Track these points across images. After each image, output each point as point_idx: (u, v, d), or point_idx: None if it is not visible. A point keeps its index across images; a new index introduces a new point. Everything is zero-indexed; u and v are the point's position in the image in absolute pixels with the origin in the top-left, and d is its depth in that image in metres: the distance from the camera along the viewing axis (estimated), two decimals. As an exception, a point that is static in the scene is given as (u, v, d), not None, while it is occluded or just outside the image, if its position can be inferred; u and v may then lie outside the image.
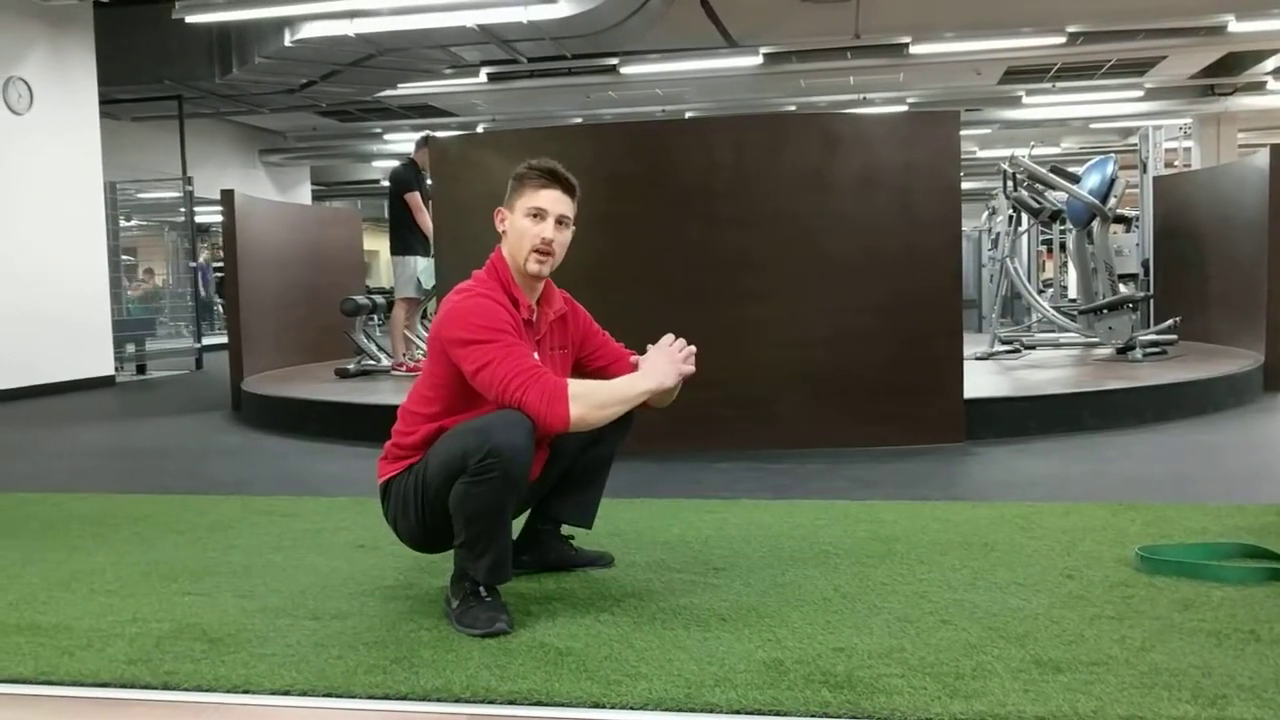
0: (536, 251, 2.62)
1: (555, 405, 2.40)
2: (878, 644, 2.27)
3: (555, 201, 2.64)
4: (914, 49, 11.56)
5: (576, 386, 2.46)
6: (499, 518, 2.44)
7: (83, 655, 2.34)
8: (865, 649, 2.24)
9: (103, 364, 9.71)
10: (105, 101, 10.15)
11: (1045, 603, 2.54)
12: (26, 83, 8.83)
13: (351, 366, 7.73)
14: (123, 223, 12.35)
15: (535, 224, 2.62)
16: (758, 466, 4.68)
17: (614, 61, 12.21)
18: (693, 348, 2.63)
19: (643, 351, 2.73)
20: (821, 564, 2.95)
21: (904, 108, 15.34)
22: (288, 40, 10.23)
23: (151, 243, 16.40)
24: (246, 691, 2.13)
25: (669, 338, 2.64)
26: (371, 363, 7.83)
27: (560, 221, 2.66)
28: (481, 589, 2.47)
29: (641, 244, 5.17)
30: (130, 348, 11.01)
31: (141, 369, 11.12)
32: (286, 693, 2.12)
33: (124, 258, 12.60)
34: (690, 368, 2.59)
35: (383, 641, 2.37)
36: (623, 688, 2.06)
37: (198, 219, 12.79)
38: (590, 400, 2.46)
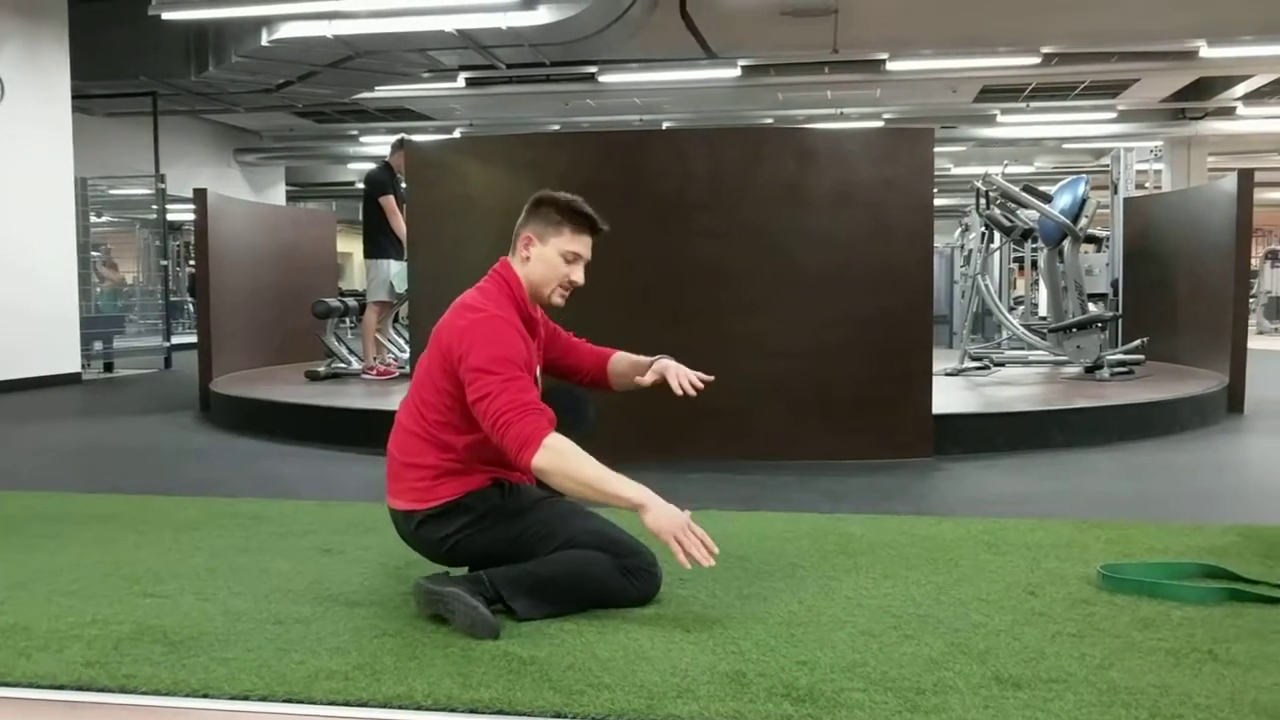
0: (563, 288, 2.78)
1: (523, 451, 2.46)
2: (840, 658, 2.28)
3: (588, 247, 2.81)
4: (891, 65, 11.64)
5: (559, 443, 2.48)
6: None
7: (40, 657, 2.32)
8: (828, 663, 2.25)
9: (69, 361, 9.61)
10: (78, 96, 10.08)
11: (1007, 619, 2.56)
12: (-1, 75, 8.75)
13: (322, 369, 7.68)
14: (93, 219, 12.24)
15: (568, 265, 2.75)
16: (728, 477, 4.69)
17: (593, 70, 12.22)
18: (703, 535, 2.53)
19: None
20: (787, 576, 2.96)
21: (880, 123, 15.44)
22: (265, 40, 10.17)
23: (123, 240, 16.24)
24: (206, 696, 2.12)
25: (699, 534, 2.51)
26: (342, 366, 7.79)
27: (586, 265, 2.82)
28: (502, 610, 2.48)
29: (616, 254, 5.11)
30: (98, 345, 10.90)
31: (109, 367, 11.01)
32: (246, 697, 2.10)
33: (94, 254, 12.49)
34: (686, 558, 2.47)
35: (345, 647, 2.36)
36: (585, 697, 2.06)
37: (170, 217, 12.69)
38: (562, 465, 2.48)
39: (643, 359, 3.09)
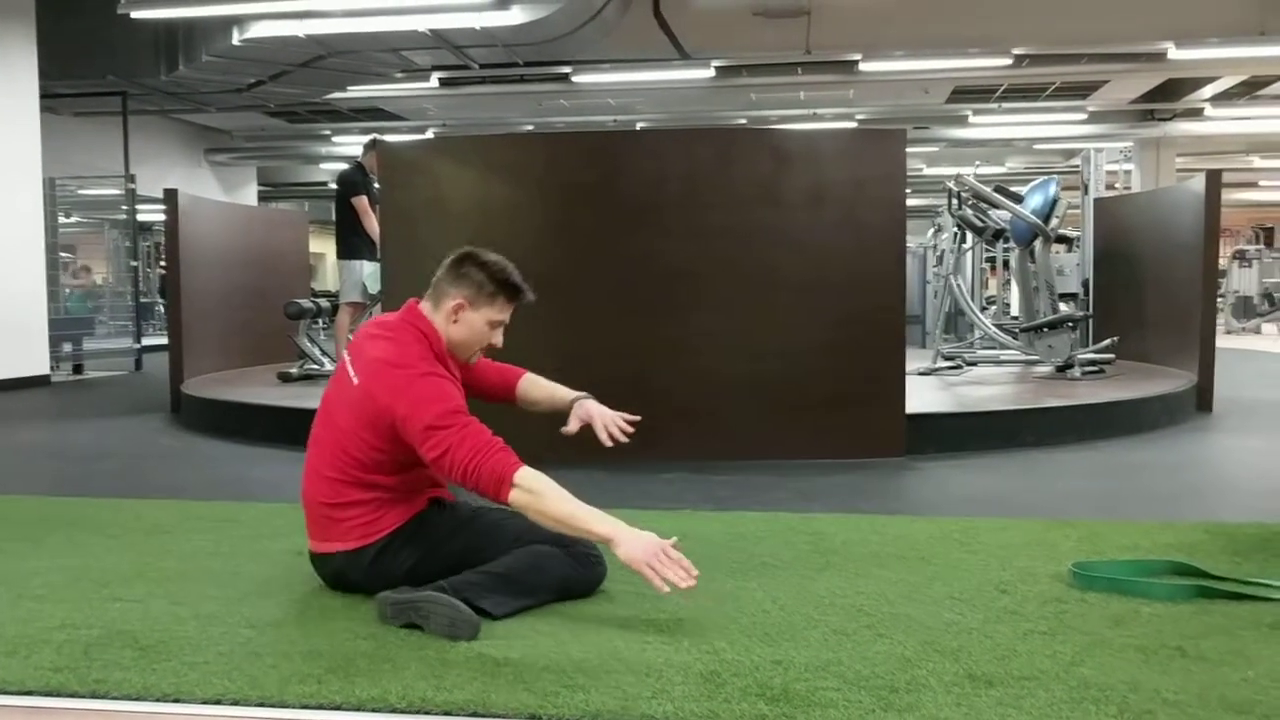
0: (482, 352, 2.90)
1: (500, 491, 2.50)
2: (814, 657, 2.29)
3: (511, 314, 2.86)
4: (864, 66, 11.68)
5: (532, 480, 2.51)
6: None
7: (7, 662, 2.29)
8: (802, 662, 2.25)
9: (38, 363, 9.51)
10: (46, 95, 9.97)
11: (979, 617, 2.58)
12: (-36, 74, 8.65)
13: (294, 370, 7.64)
14: (62, 219, 12.11)
15: (493, 331, 2.83)
16: (703, 478, 4.70)
17: (567, 70, 12.20)
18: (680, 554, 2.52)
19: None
20: (761, 576, 2.97)
21: (853, 124, 15.50)
22: (236, 39, 10.09)
23: (92, 240, 16.10)
24: (177, 700, 2.10)
25: (674, 540, 2.53)
26: (314, 367, 7.75)
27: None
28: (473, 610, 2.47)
29: (593, 253, 5.17)
30: (67, 347, 10.79)
31: (78, 369, 10.90)
32: (218, 701, 2.09)
33: (63, 255, 12.36)
34: (663, 583, 2.43)
35: (318, 651, 2.35)
36: (560, 699, 2.06)
37: (140, 217, 12.58)
38: (537, 504, 2.51)
39: (560, 392, 3.13)
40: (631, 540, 2.49)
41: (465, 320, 2.78)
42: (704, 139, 5.70)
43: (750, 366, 5.10)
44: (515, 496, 2.49)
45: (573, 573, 2.71)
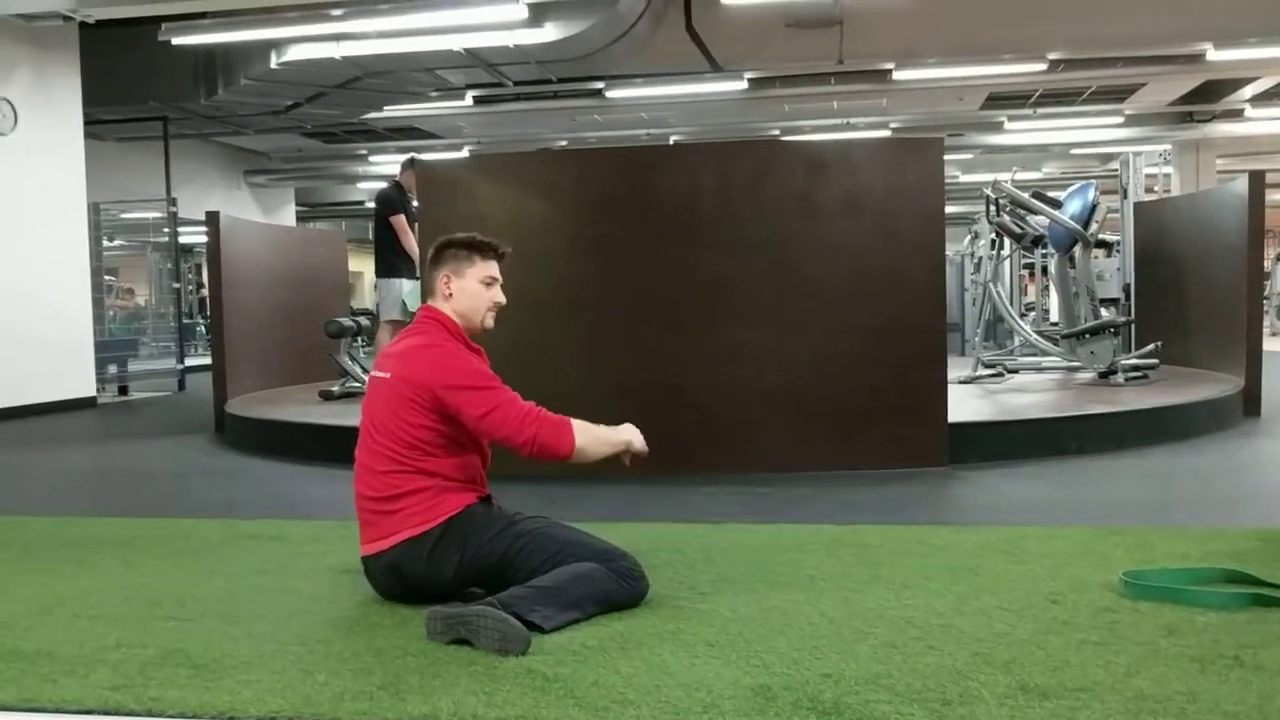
0: (491, 311, 3.01)
1: (562, 438, 2.78)
2: (865, 670, 2.27)
3: (498, 270, 3.04)
4: (897, 75, 11.64)
5: (576, 423, 2.82)
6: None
7: (66, 682, 2.32)
8: (852, 675, 2.24)
9: (84, 385, 9.65)
10: (90, 122, 10.13)
11: (1031, 628, 2.55)
12: (11, 103, 8.82)
13: (335, 388, 7.70)
14: (105, 243, 12.30)
15: (488, 289, 2.99)
16: (743, 490, 4.69)
17: (599, 85, 12.25)
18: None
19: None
20: (807, 588, 2.95)
21: (887, 132, 15.45)
22: (274, 62, 10.23)
23: (135, 263, 16.32)
24: (232, 718, 2.12)
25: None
26: (356, 384, 7.80)
27: (501, 286, 3.05)
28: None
29: (628, 268, 5.19)
30: (113, 369, 10.94)
31: (124, 390, 11.05)
32: (273, 719, 2.11)
33: (107, 278, 12.54)
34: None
35: (369, 667, 2.36)
36: (610, 714, 2.06)
37: (182, 240, 12.75)
38: (588, 436, 2.83)
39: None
40: (634, 431, 2.91)
41: (458, 289, 2.96)
42: (738, 151, 5.70)
43: (789, 378, 5.09)
44: (578, 442, 2.78)
45: (616, 587, 2.74)
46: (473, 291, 2.97)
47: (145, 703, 2.20)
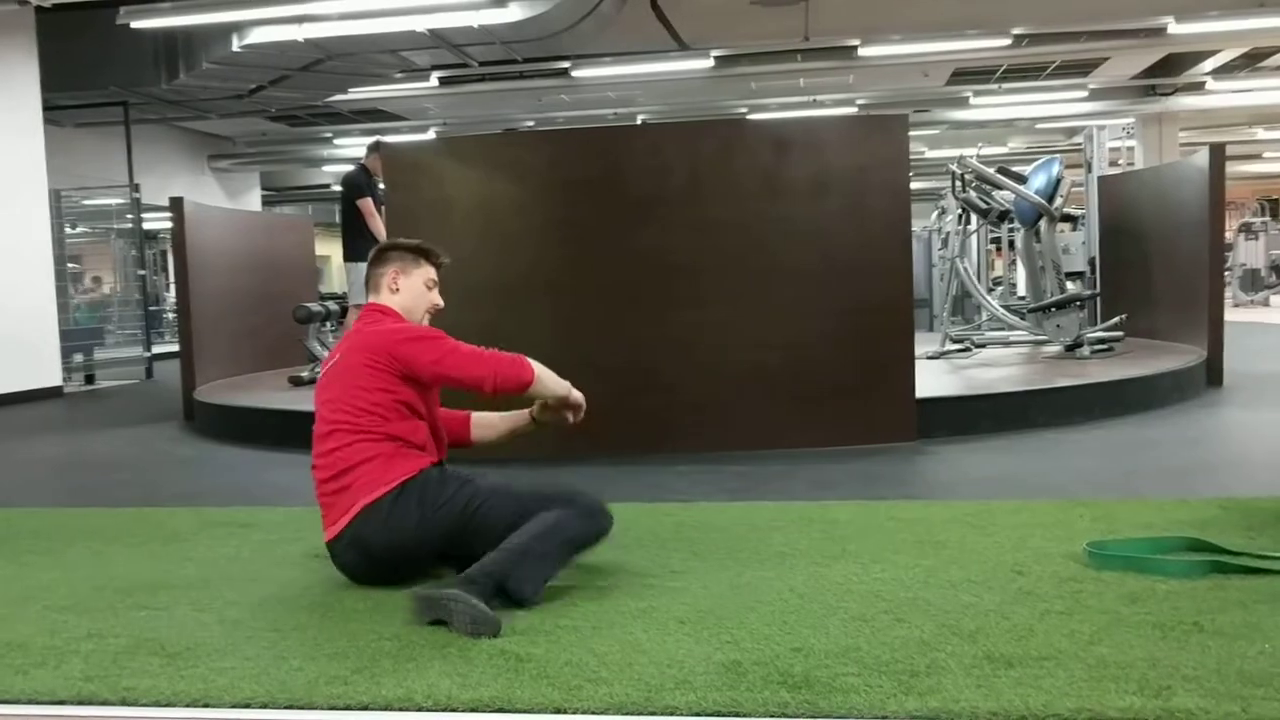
0: (429, 314, 3.16)
1: (522, 369, 2.95)
2: (834, 643, 2.30)
3: (437, 276, 3.19)
4: (863, 51, 11.67)
5: (531, 359, 3.00)
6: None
7: (38, 673, 2.32)
8: (822, 649, 2.27)
9: (50, 375, 9.55)
10: (48, 108, 9.99)
11: (996, 599, 2.59)
12: (-34, 90, 8.69)
13: (305, 374, 7.66)
14: (68, 230, 12.15)
15: (430, 292, 3.16)
16: (715, 469, 4.72)
17: (566, 65, 12.21)
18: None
19: None
20: (778, 565, 2.98)
21: (854, 109, 15.48)
22: (236, 45, 10.11)
23: (98, 250, 16.13)
24: (206, 706, 2.13)
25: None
26: (325, 370, 7.77)
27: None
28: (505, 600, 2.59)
29: (596, 249, 5.19)
30: (78, 357, 10.83)
31: (90, 379, 10.95)
32: (247, 705, 2.12)
33: (70, 265, 12.39)
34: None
35: (343, 652, 2.37)
36: (583, 692, 2.08)
37: (146, 225, 12.62)
38: (540, 368, 3.00)
39: (515, 414, 3.32)
40: (573, 388, 3.09)
41: (404, 286, 3.11)
42: (705, 132, 5.71)
43: (759, 357, 5.12)
44: (537, 370, 2.97)
45: (583, 528, 2.79)
46: (417, 290, 3.12)
47: (119, 692, 2.19)
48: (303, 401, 6.49)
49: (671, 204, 5.15)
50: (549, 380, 3.03)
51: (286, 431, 5.96)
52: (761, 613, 2.54)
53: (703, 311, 5.12)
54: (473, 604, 2.45)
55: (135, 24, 9.01)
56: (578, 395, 3.10)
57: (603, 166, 5.23)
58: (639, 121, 15.16)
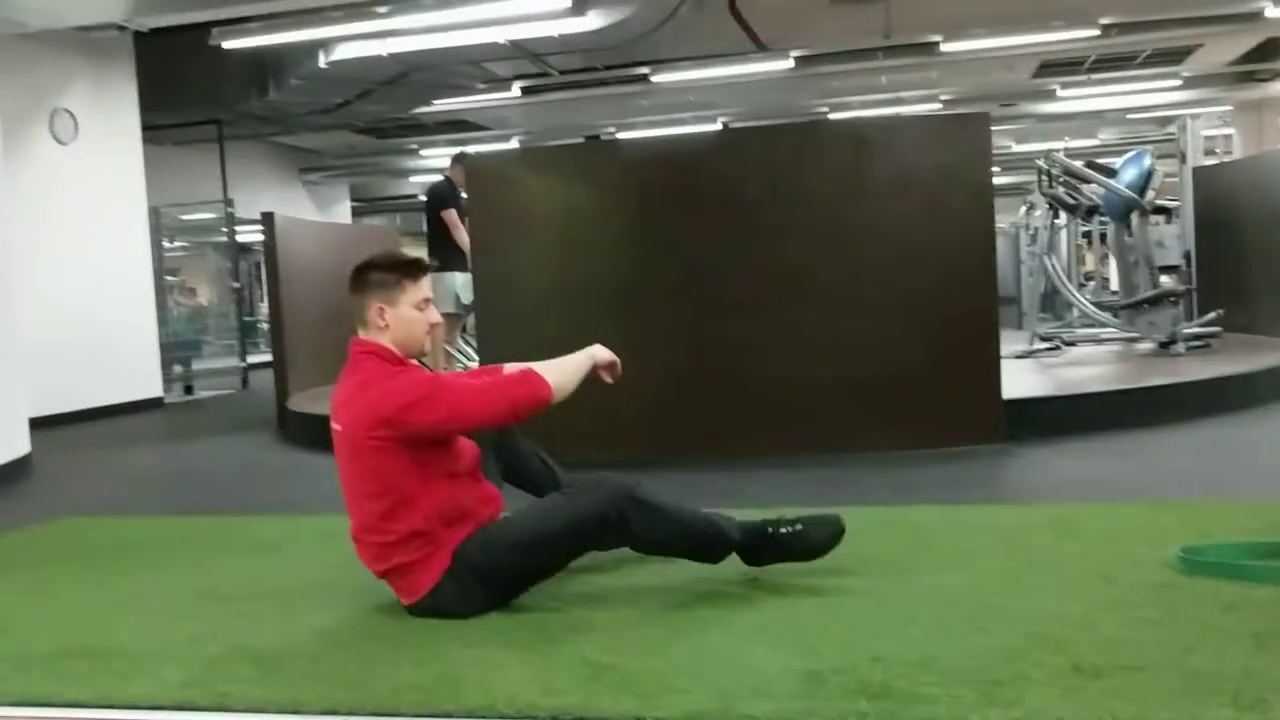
0: (428, 335, 2.88)
1: (538, 387, 2.69)
2: (915, 652, 2.28)
3: (428, 287, 2.89)
4: (945, 47, 11.48)
5: (537, 366, 2.76)
6: (674, 518, 2.76)
7: (138, 679, 2.41)
8: (902, 658, 2.25)
9: (151, 386, 9.88)
10: (147, 128, 10.34)
11: (1084, 607, 2.54)
12: (71, 113, 9.03)
13: (393, 382, 7.79)
14: (166, 245, 12.55)
15: (424, 312, 2.84)
16: (796, 474, 4.70)
17: (645, 70, 12.23)
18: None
19: None
20: (859, 572, 2.96)
21: (938, 105, 15.25)
22: (322, 62, 10.35)
23: (195, 264, 16.64)
24: (296, 712, 2.19)
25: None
26: (413, 378, 7.90)
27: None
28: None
29: (677, 255, 5.20)
30: (177, 369, 11.19)
31: (189, 389, 11.30)
32: (334, 712, 2.17)
33: (168, 279, 12.80)
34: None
35: (428, 660, 2.42)
36: (661, 701, 2.09)
37: (240, 239, 12.98)
38: (555, 371, 2.76)
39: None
40: (592, 348, 2.89)
41: (394, 317, 2.80)
42: (785, 133, 5.70)
43: (841, 360, 5.08)
44: (553, 381, 2.71)
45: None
46: (409, 318, 2.81)
47: (214, 698, 2.27)
48: (391, 410, 6.62)
49: (749, 207, 5.14)
50: (569, 377, 2.78)
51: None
52: (841, 620, 2.53)
53: (782, 314, 5.10)
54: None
55: (227, 44, 9.27)
56: (603, 357, 2.89)
57: (680, 171, 5.24)
58: (719, 124, 15.13)
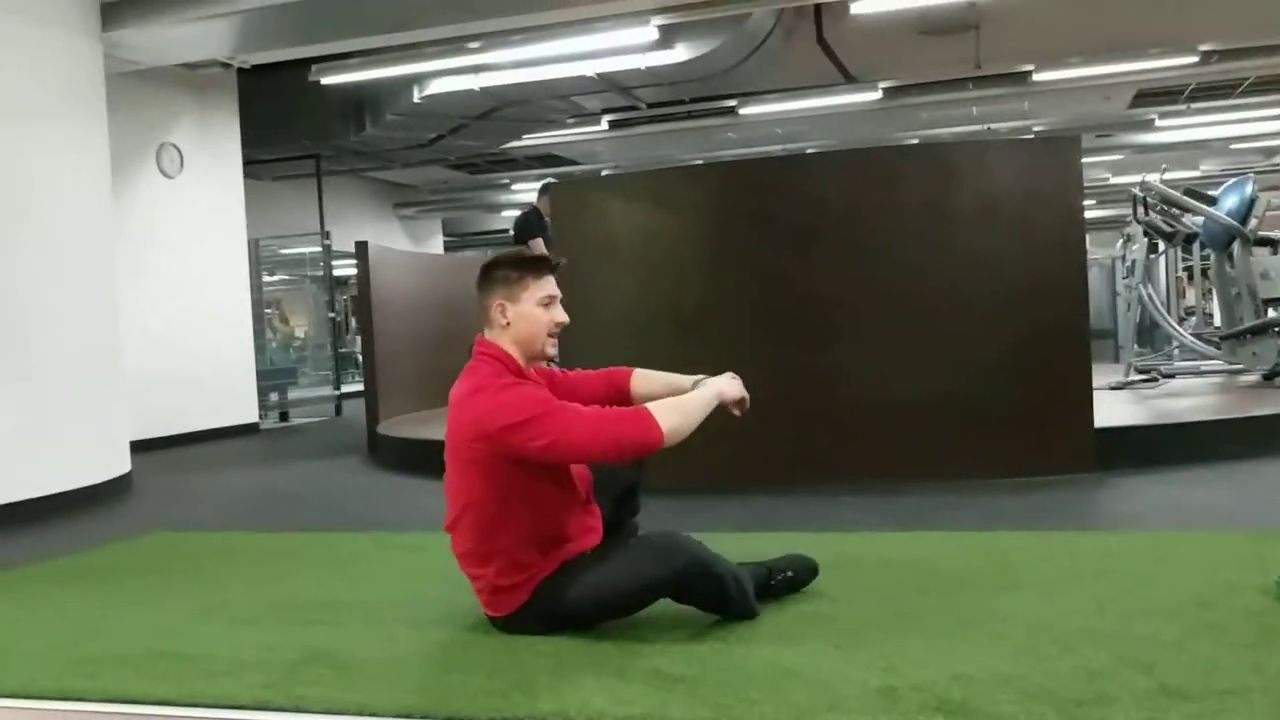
0: (552, 336, 2.75)
1: (648, 429, 2.53)
2: (996, 671, 2.22)
3: (555, 286, 2.78)
4: (1037, 76, 11.31)
5: (654, 406, 2.59)
6: (728, 589, 2.64)
7: (222, 680, 2.46)
8: (983, 676, 2.20)
9: (248, 412, 10.15)
10: (249, 163, 10.69)
11: (1177, 631, 2.45)
12: (177, 148, 9.38)
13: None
14: (266, 277, 12.91)
15: (548, 311, 2.73)
16: (882, 500, 4.62)
17: (733, 103, 12.28)
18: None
19: None
20: (942, 593, 2.90)
21: (1030, 136, 15.00)
22: (416, 97, 10.62)
23: (293, 296, 17.10)
24: (372, 715, 2.21)
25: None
26: (499, 405, 7.99)
27: (561, 303, 2.80)
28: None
29: (758, 280, 5.19)
30: (274, 396, 11.48)
31: (284, 416, 11.57)
32: (409, 715, 2.19)
33: (267, 310, 13.16)
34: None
35: (502, 668, 2.43)
36: (733, 712, 2.07)
37: (336, 271, 13.31)
38: (674, 412, 2.59)
39: (678, 380, 2.94)
40: (721, 381, 2.77)
41: (516, 315, 2.71)
42: (865, 159, 5.66)
43: (928, 386, 5.00)
44: (664, 422, 2.53)
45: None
46: (531, 316, 2.71)
47: (293, 699, 2.31)
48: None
49: (831, 233, 5.11)
50: (689, 419, 2.60)
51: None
52: (921, 639, 2.48)
53: (866, 340, 5.04)
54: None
55: (325, 80, 9.57)
56: (732, 394, 2.73)
57: (761, 197, 5.23)
58: (803, 154, 15.09)
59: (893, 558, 3.38)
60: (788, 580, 2.91)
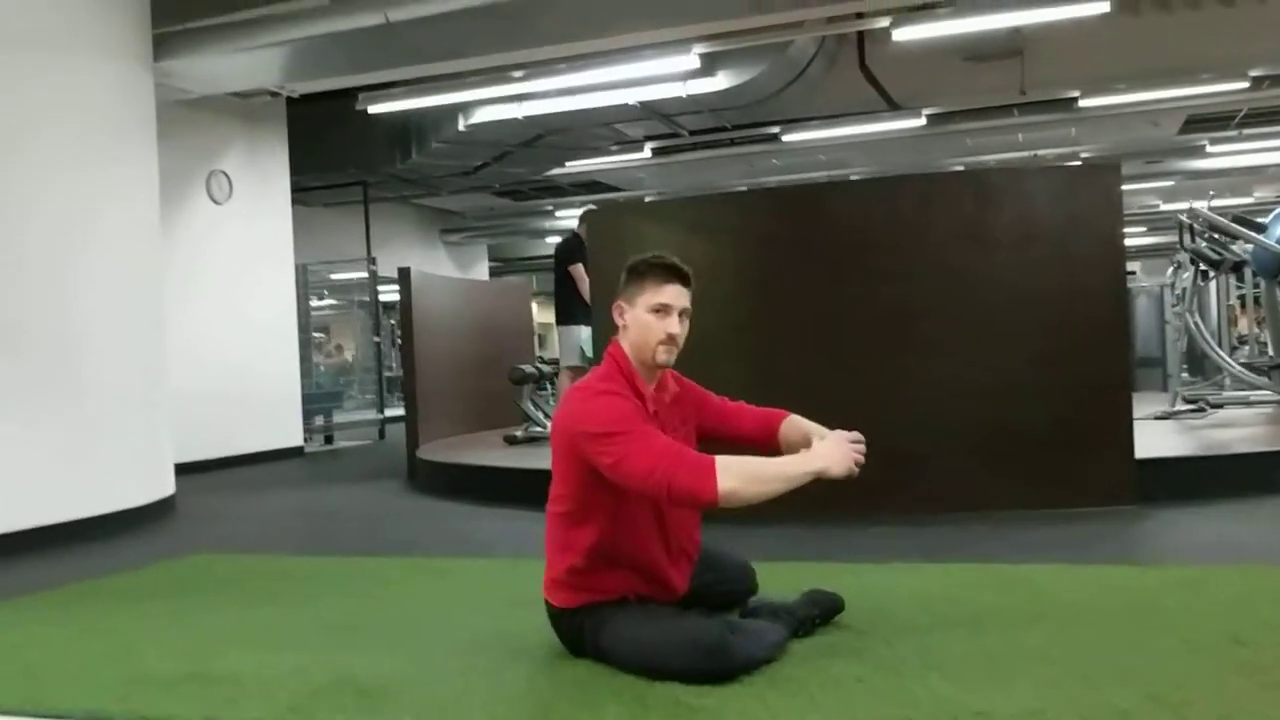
0: (663, 345, 2.68)
1: (704, 481, 2.40)
2: (1020, 707, 2.19)
3: (677, 296, 2.71)
4: (1084, 102, 11.22)
5: (726, 460, 2.44)
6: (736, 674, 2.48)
7: (247, 703, 2.49)
8: (1006, 712, 2.17)
9: (293, 435, 10.27)
10: (297, 189, 10.87)
11: (1210, 669, 2.41)
12: (227, 175, 9.56)
13: (519, 433, 7.94)
14: (314, 302, 13.09)
15: (660, 320, 2.68)
16: (912, 530, 4.58)
17: (775, 129, 12.30)
18: (862, 438, 2.66)
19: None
20: (969, 627, 2.86)
21: (1077, 163, 14.86)
22: (462, 125, 10.77)
23: (340, 320, 17.31)
24: (392, 740, 2.23)
25: (846, 433, 2.66)
26: (538, 429, 8.03)
27: (682, 314, 2.72)
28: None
29: (795, 305, 5.18)
30: (319, 420, 11.60)
31: (329, 439, 11.70)
32: (428, 741, 2.20)
33: (314, 335, 13.33)
34: (860, 458, 2.59)
35: (523, 695, 2.44)
36: (750, 744, 2.06)
37: (383, 297, 13.46)
38: (743, 474, 2.44)
39: (817, 433, 2.83)
40: (829, 456, 2.53)
41: (630, 320, 2.71)
42: (905, 184, 5.64)
43: (962, 414, 4.95)
44: (724, 481, 2.39)
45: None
46: (643, 321, 2.68)
47: (315, 723, 2.33)
48: (513, 459, 6.73)
49: (869, 255, 5.09)
50: (764, 488, 2.45)
51: (497, 487, 6.19)
52: (945, 673, 2.44)
53: (902, 366, 5.01)
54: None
55: (372, 109, 9.71)
56: (838, 470, 2.52)
57: (798, 222, 5.23)
58: (842, 180, 15.05)
59: (921, 590, 3.35)
60: (814, 621, 2.86)
